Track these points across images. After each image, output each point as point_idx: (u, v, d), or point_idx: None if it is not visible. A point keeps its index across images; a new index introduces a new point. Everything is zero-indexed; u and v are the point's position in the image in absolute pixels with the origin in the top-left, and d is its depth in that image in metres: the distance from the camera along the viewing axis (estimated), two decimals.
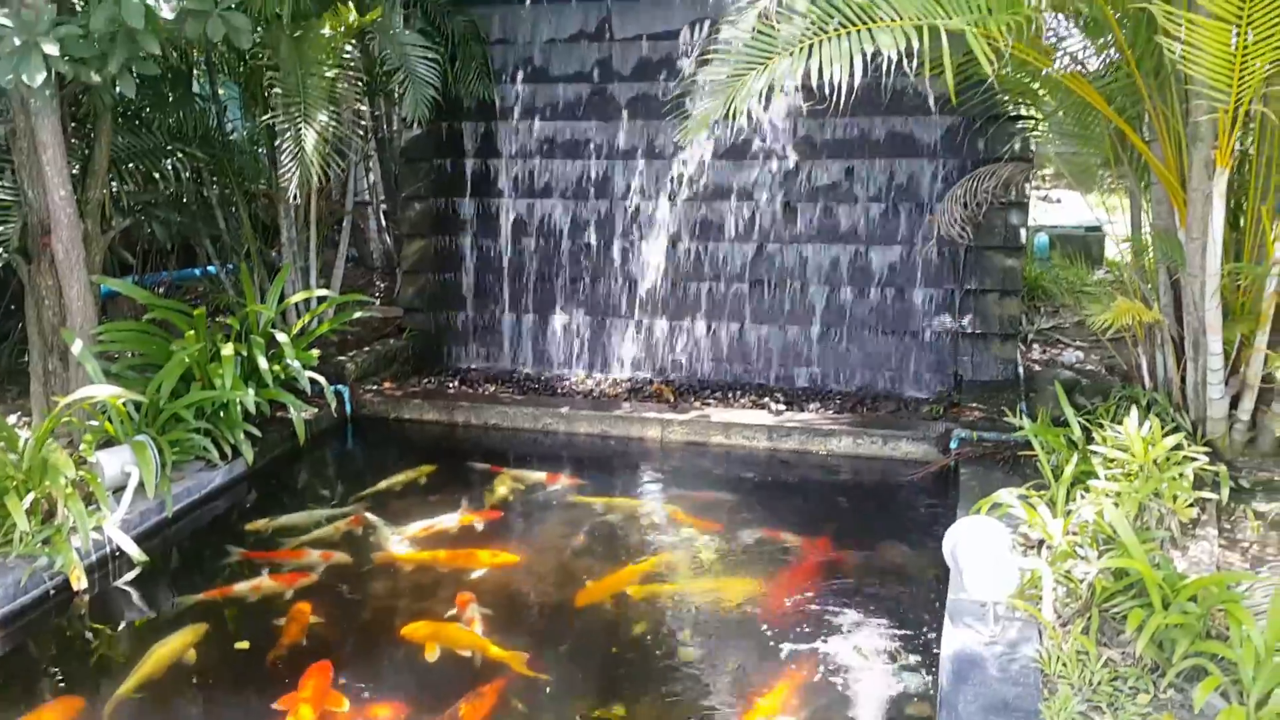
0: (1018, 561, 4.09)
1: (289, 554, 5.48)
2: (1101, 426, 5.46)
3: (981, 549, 4.01)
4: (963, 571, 4.00)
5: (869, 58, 4.43)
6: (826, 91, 4.34)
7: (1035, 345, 8.59)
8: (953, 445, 6.39)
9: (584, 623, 4.78)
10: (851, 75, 4.40)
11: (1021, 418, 6.02)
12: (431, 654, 4.42)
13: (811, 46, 4.47)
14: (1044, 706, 3.55)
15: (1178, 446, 4.82)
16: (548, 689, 4.19)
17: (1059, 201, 15.29)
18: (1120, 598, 4.04)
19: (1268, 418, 5.37)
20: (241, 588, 5.12)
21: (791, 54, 4.48)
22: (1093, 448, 5.01)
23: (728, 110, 4.57)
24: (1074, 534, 4.53)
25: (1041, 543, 4.70)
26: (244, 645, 4.59)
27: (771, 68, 4.52)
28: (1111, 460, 4.83)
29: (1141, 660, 3.74)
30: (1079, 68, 5.63)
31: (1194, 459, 4.83)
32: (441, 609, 4.84)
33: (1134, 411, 4.93)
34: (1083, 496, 4.70)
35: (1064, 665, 3.79)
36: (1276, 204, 5.01)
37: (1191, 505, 4.63)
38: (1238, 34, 4.24)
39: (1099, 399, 6.27)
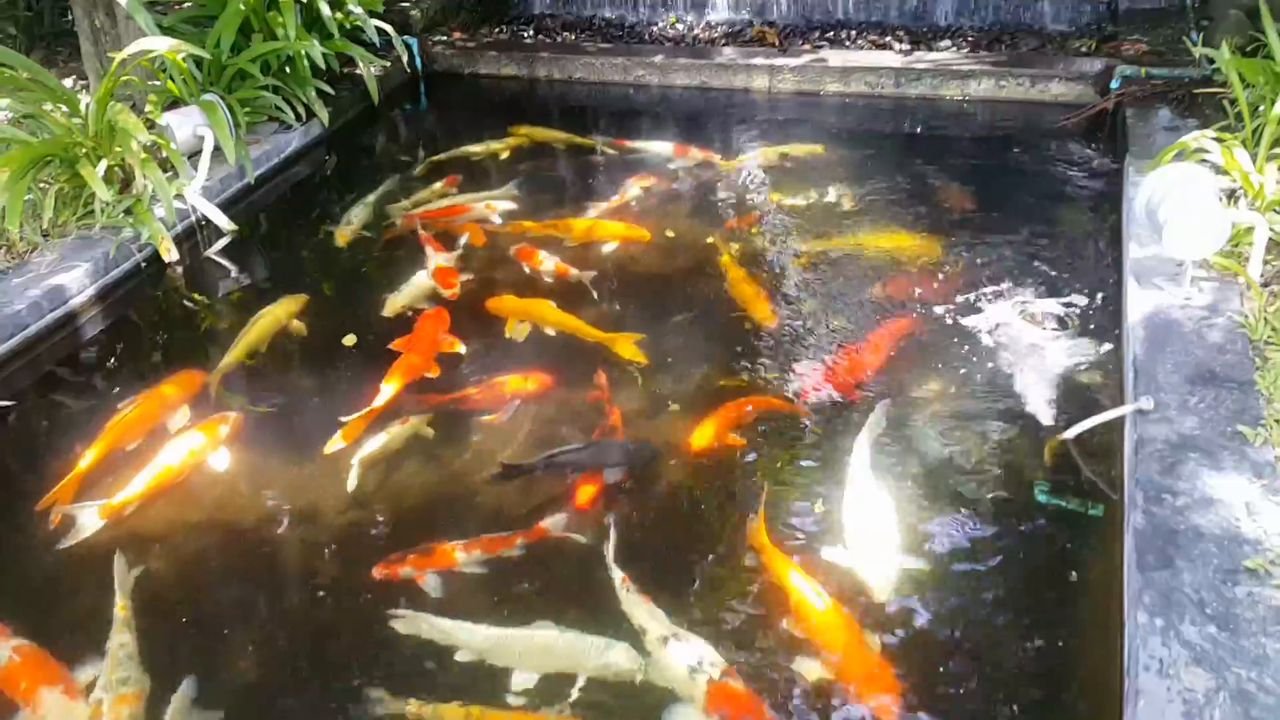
0: (1230, 215, 3.53)
1: (452, 211, 5.08)
2: None
3: (1188, 200, 3.44)
4: (1163, 225, 3.47)
5: None
6: None
7: None
8: (1113, 85, 5.59)
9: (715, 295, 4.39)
10: None
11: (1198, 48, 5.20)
12: (521, 332, 4.08)
13: None
14: (1258, 376, 3.15)
15: None
16: (664, 360, 3.90)
17: None
18: None
19: None
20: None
21: None
22: None
23: None
24: None
25: (1235, 193, 4.11)
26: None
27: None
28: None
29: None
30: None
31: None
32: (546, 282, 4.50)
33: None
34: None
35: (1273, 330, 3.35)
36: None
37: None
38: None
39: None
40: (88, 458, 3.36)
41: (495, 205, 5.15)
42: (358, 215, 5.13)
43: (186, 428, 3.57)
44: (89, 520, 3.15)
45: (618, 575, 2.87)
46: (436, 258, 4.60)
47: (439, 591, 2.89)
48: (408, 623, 2.78)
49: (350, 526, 3.17)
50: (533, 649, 2.66)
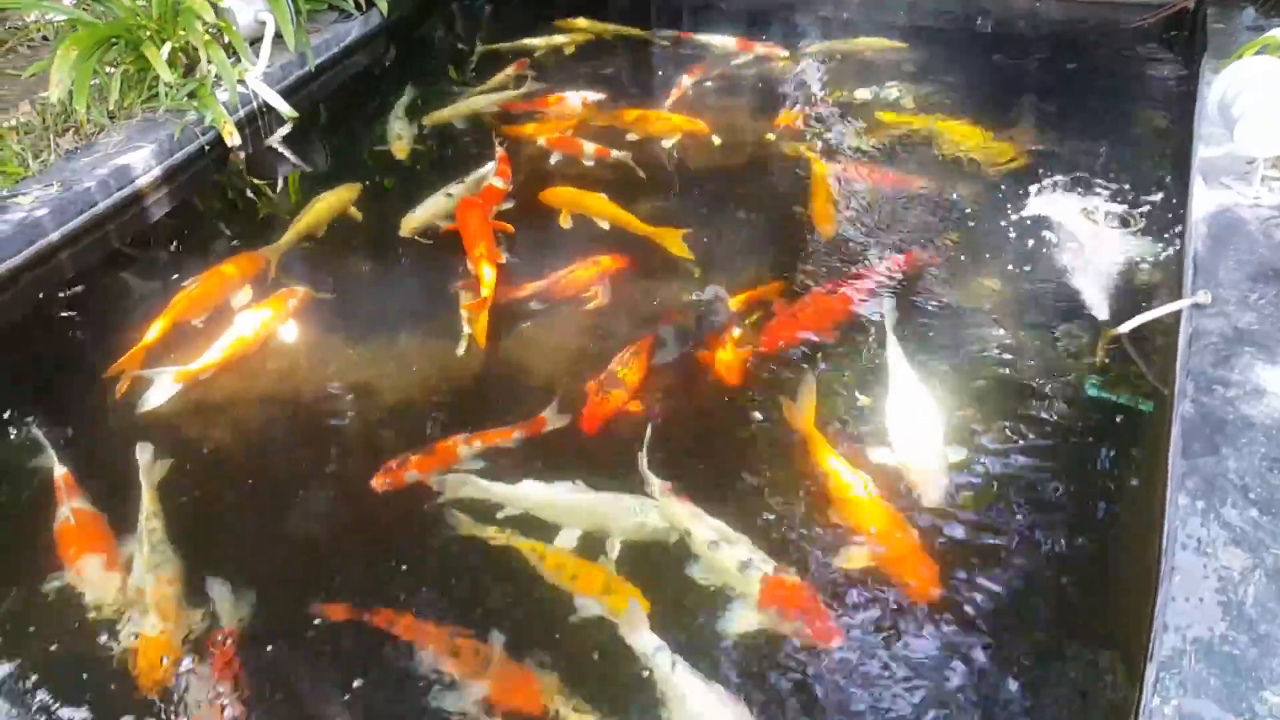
0: None
1: (542, 103, 5.13)
2: None
3: (1268, 94, 3.32)
4: (1237, 120, 3.36)
5: None
6: None
7: None
8: None
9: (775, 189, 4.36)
10: None
11: None
12: (565, 221, 4.11)
13: None
14: None
15: None
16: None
17: None
18: None
19: None
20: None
21: None
22: None
23: None
24: None
25: None
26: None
27: None
28: None
29: None
30: None
31: None
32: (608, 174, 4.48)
33: None
34: None
35: None
36: None
37: None
38: None
39: None
40: (154, 330, 3.45)
41: (590, 99, 5.12)
42: (404, 129, 5.00)
43: (254, 303, 3.65)
44: (162, 385, 3.25)
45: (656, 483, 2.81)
46: (494, 179, 4.37)
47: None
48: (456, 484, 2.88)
49: (415, 399, 3.25)
50: (571, 508, 2.75)
